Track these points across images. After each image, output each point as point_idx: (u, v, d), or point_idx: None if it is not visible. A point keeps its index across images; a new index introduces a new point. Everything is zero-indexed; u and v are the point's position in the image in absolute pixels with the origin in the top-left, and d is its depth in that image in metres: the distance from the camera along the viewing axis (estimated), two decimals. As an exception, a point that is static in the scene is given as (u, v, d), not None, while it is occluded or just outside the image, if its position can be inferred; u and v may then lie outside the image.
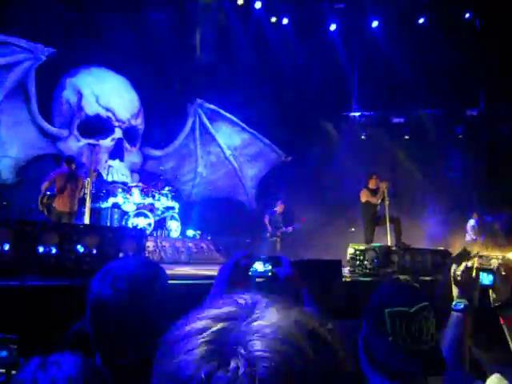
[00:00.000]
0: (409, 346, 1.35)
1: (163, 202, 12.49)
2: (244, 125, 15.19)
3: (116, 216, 11.34)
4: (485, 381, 1.72)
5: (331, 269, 6.48)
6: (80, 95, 12.91)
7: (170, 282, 1.53)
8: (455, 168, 14.04)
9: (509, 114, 14.58)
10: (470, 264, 1.96)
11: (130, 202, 11.64)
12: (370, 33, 15.13)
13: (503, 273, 2.15)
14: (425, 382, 1.37)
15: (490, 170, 13.95)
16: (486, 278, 2.02)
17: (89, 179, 9.13)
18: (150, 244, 10.56)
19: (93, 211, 10.03)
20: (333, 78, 15.14)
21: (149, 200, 12.10)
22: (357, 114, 16.32)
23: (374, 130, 15.75)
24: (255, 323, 0.63)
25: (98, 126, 13.02)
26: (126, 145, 13.43)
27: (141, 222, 11.40)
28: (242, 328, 0.62)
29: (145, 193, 12.11)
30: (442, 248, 9.65)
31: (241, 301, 0.68)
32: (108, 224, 10.95)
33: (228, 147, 15.29)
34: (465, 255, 2.79)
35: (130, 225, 11.13)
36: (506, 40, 12.79)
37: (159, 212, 12.29)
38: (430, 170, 14.66)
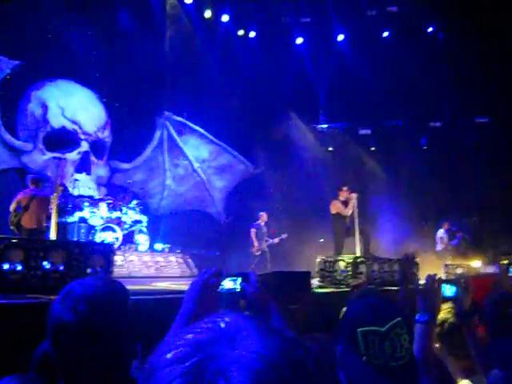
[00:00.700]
0: (382, 365, 1.35)
1: (131, 215, 12.36)
2: (212, 137, 15.20)
3: (83, 230, 11.16)
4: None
5: (300, 280, 6.50)
6: (45, 108, 12.72)
7: (138, 297, 1.52)
8: (421, 178, 14.27)
9: (471, 125, 14.99)
10: (432, 275, 2.00)
11: (97, 216, 11.48)
12: (337, 46, 15.38)
13: (463, 284, 2.21)
14: None
15: (453, 180, 14.26)
16: (448, 290, 2.07)
17: (55, 194, 8.97)
18: (117, 258, 10.39)
19: (59, 226, 9.83)
20: (300, 90, 15.29)
21: (116, 214, 11.96)
22: (324, 125, 16.51)
23: (341, 141, 15.95)
24: (237, 351, 0.61)
25: (63, 139, 12.84)
26: (93, 158, 13.27)
27: (108, 237, 11.25)
28: (223, 357, 0.60)
29: (112, 206, 11.97)
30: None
31: (222, 325, 0.66)
32: (75, 239, 10.77)
33: (196, 159, 15.27)
34: (410, 260, 2.88)
35: (97, 239, 10.97)
36: (469, 51, 13.17)
37: (127, 226, 12.15)
38: (397, 181, 14.90)
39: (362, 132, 16.18)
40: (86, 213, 11.32)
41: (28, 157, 12.39)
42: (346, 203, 9.89)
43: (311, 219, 12.59)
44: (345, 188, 10.07)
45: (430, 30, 15.07)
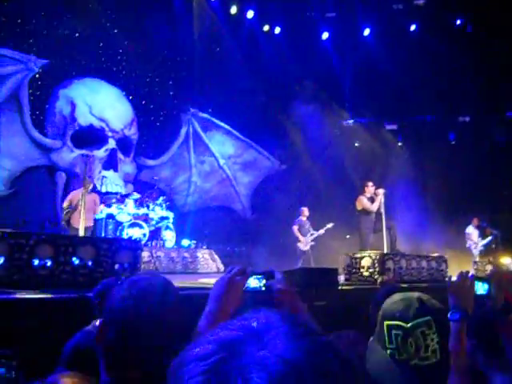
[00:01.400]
0: (405, 361, 1.33)
1: (158, 211, 12.46)
2: (237, 133, 15.22)
3: (110, 227, 11.30)
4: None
5: (327, 277, 6.47)
6: (73, 106, 12.89)
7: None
8: (449, 174, 14.05)
9: (501, 120, 14.69)
10: (464, 273, 1.96)
11: (125, 212, 11.60)
12: (363, 41, 15.23)
13: (496, 280, 2.15)
14: None
15: (483, 176, 14.01)
16: (481, 288, 2.03)
17: (83, 190, 9.09)
18: (144, 254, 10.51)
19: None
20: (326, 86, 15.20)
21: (143, 210, 12.07)
22: (350, 121, 16.39)
23: (367, 137, 15.81)
24: (261, 352, 0.59)
25: (91, 137, 13.00)
26: (120, 155, 13.41)
27: (135, 233, 11.37)
28: (246, 357, 0.59)
29: (139, 203, 12.09)
30: (437, 254, 9.67)
31: (253, 324, 0.64)
32: (103, 235, 10.90)
33: (222, 156, 15.31)
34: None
35: (124, 235, 11.09)
36: (499, 44, 12.90)
37: (154, 222, 12.25)
38: (425, 177, 14.71)
39: (389, 127, 16.02)
40: (113, 209, 11.46)
41: (57, 154, 12.58)
42: (372, 199, 9.82)
43: (337, 215, 12.49)
44: (370, 184, 9.99)
45: (458, 22, 14.79)
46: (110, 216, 11.36)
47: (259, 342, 0.61)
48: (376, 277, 7.63)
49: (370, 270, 7.81)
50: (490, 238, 12.21)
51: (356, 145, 16.15)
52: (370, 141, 15.75)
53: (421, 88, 14.00)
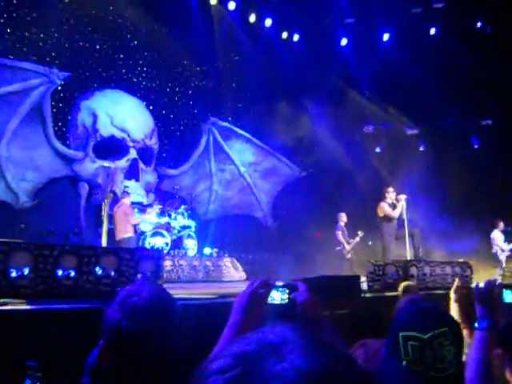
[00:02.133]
0: (421, 373, 1.31)
1: (179, 220, 12.53)
2: (257, 141, 15.24)
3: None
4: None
5: (349, 285, 6.41)
6: (95, 117, 13.05)
7: (187, 302, 1.53)
8: (472, 178, 13.85)
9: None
10: (492, 281, 1.92)
11: (147, 221, 11.68)
12: (382, 46, 15.15)
13: None
14: None
15: (507, 180, 13.79)
16: (508, 296, 1.98)
17: (106, 201, 9.19)
18: (167, 263, 10.57)
19: (110, 232, 10.08)
20: (345, 92, 15.15)
21: (165, 219, 12.15)
22: (370, 128, 16.28)
23: (388, 142, 15.70)
24: (280, 365, 0.59)
25: (112, 147, 13.14)
26: (141, 165, 13.52)
27: (158, 242, 11.44)
28: (264, 370, 0.59)
29: (161, 212, 12.16)
30: (461, 260, 9.52)
31: (270, 336, 0.64)
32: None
33: (242, 164, 15.34)
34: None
35: (147, 245, 11.16)
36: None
37: (176, 231, 12.33)
38: (447, 181, 14.53)
39: (410, 132, 15.87)
40: (137, 219, 11.55)
41: (79, 165, 12.73)
42: (393, 205, 9.72)
43: (359, 222, 12.39)
44: (391, 190, 9.91)
45: (479, 24, 14.63)
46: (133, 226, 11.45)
47: (277, 355, 0.61)
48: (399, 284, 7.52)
49: (394, 277, 7.72)
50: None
51: (377, 151, 16.02)
52: (390, 146, 15.64)
53: (442, 92, 13.86)
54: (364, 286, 7.71)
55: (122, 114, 13.37)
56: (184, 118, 15.02)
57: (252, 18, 14.97)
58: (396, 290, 7.37)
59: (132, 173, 13.28)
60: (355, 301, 5.93)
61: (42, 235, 10.65)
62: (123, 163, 13.18)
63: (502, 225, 12.15)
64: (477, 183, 13.80)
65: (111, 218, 10.49)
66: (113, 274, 5.30)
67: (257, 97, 14.66)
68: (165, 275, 9.24)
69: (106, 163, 12.21)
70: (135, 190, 12.92)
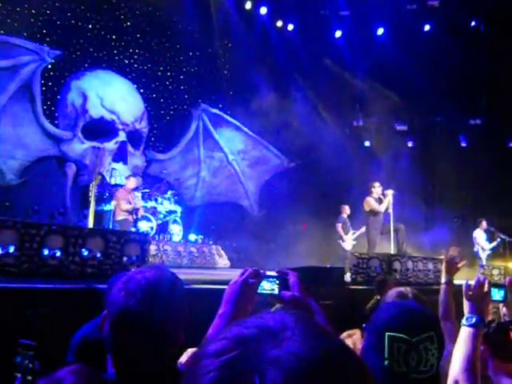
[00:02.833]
0: (403, 375, 1.33)
1: (166, 205, 12.51)
2: (247, 129, 15.21)
3: (118, 219, 11.34)
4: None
5: (334, 276, 6.48)
6: (85, 97, 12.92)
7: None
8: (458, 177, 13.98)
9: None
10: (482, 278, 1.96)
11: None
12: (376, 40, 15.15)
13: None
14: None
15: (492, 179, 13.95)
16: (497, 294, 2.02)
17: (93, 182, 9.14)
18: (152, 248, 10.56)
19: (96, 214, 10.04)
20: (337, 84, 15.16)
21: (151, 203, 12.11)
22: (361, 121, 16.32)
23: (377, 137, 15.77)
24: (277, 350, 0.59)
25: (102, 129, 13.03)
26: (130, 148, 13.44)
27: (143, 226, 11.40)
28: (261, 354, 0.59)
29: (147, 196, 12.12)
30: (443, 257, 9.63)
31: (269, 322, 0.64)
32: (110, 227, 10.95)
33: (231, 152, 15.31)
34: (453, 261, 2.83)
35: (132, 228, 11.12)
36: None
37: (161, 216, 12.30)
38: (433, 178, 14.67)
39: (399, 128, 15.93)
40: (122, 205, 11.50)
41: (67, 145, 12.62)
42: (380, 200, 9.80)
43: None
44: (377, 184, 9.97)
45: (473, 23, 14.68)
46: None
47: (275, 340, 0.61)
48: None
49: (378, 271, 7.80)
50: (497, 241, 12.11)
51: (366, 145, 16.09)
52: (379, 141, 15.71)
53: (433, 89, 13.93)
54: (347, 277, 7.80)
55: (113, 95, 13.25)
56: (175, 102, 14.93)
57: (248, 5, 14.88)
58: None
59: (120, 155, 13.19)
60: (339, 292, 5.99)
61: (26, 214, 10.57)
62: (112, 145, 13.09)
63: (484, 224, 12.27)
64: (461, 181, 13.94)
65: (98, 199, 10.44)
66: (99, 255, 5.31)
67: (248, 85, 14.61)
68: (150, 260, 9.25)
69: (94, 144, 12.12)
70: (123, 173, 12.84)
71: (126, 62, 14.03)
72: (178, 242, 12.27)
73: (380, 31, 15.16)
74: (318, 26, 15.16)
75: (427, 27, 14.90)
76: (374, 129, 16.00)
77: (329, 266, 10.05)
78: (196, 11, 14.17)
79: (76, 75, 13.09)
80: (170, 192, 12.88)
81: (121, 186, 12.00)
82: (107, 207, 11.43)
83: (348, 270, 8.34)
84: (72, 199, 12.30)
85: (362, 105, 15.90)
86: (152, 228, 11.58)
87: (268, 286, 1.57)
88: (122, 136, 13.26)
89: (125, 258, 5.62)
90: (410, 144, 15.77)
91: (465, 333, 1.78)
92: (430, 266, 9.12)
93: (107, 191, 11.67)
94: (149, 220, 11.60)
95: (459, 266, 2.78)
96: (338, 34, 15.43)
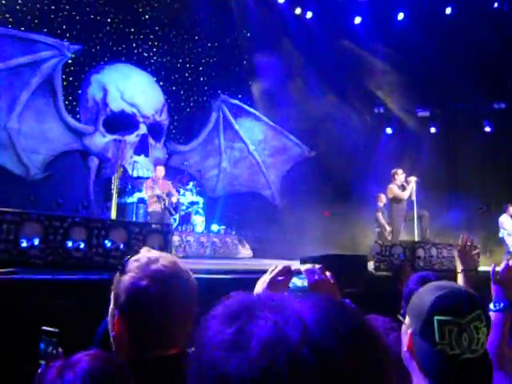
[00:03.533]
0: (457, 356, 1.32)
1: (188, 197, 12.58)
2: (267, 119, 15.17)
3: (141, 211, 11.45)
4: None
5: (356, 263, 6.44)
6: (105, 91, 13.02)
7: (195, 275, 1.54)
8: (483, 163, 13.75)
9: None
10: (510, 263, 1.92)
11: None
12: (396, 26, 14.88)
13: None
14: None
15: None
16: None
17: (116, 175, 9.23)
18: (175, 239, 10.63)
19: (119, 206, 10.14)
20: (357, 71, 15.00)
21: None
22: (382, 108, 16.13)
23: (399, 124, 15.60)
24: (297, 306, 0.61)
25: (122, 122, 13.14)
26: (151, 140, 13.53)
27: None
28: (280, 312, 0.60)
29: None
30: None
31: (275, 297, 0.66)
32: (134, 219, 11.06)
33: (251, 142, 15.29)
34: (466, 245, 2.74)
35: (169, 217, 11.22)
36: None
37: (184, 207, 12.37)
38: (457, 164, 14.46)
39: (421, 114, 15.71)
40: (144, 194, 11.60)
41: (89, 139, 12.76)
42: (403, 187, 9.70)
43: (368, 203, 12.38)
44: (400, 171, 9.86)
45: (496, 5, 14.33)
46: (141, 200, 11.51)
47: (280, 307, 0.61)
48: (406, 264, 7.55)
49: (401, 258, 7.74)
50: None
51: (388, 132, 15.91)
52: (401, 128, 15.53)
53: (455, 74, 13.66)
54: (371, 265, 7.74)
55: (133, 88, 13.33)
56: (194, 94, 14.97)
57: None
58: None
59: (141, 148, 13.29)
60: (362, 280, 5.96)
61: (51, 207, 10.73)
62: (133, 138, 13.19)
63: (511, 209, 12.05)
64: (486, 167, 13.72)
65: (120, 192, 10.54)
66: (122, 246, 5.36)
67: (267, 75, 14.55)
68: (173, 250, 9.32)
69: (116, 137, 12.23)
70: (144, 165, 12.95)
71: (146, 54, 14.10)
72: (201, 232, 12.35)
73: (400, 16, 14.90)
74: (337, 12, 14.95)
75: (448, 10, 14.57)
76: (396, 115, 15.80)
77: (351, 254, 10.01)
78: (214, 1, 14.14)
79: (96, 69, 13.20)
80: (191, 183, 12.95)
81: (143, 178, 12.12)
82: (130, 200, 11.55)
83: (371, 258, 8.29)
84: (95, 192, 12.45)
85: (383, 91, 15.69)
86: (175, 219, 11.66)
87: (300, 283, 1.55)
88: (142, 129, 13.35)
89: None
90: (432, 130, 15.53)
91: (492, 318, 1.75)
92: (455, 252, 9.01)
93: (129, 184, 11.78)
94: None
95: (473, 253, 2.71)
96: (358, 20, 15.20)
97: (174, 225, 11.30)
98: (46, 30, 12.03)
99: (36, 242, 4.75)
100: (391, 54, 14.78)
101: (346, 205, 13.26)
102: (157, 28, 14.13)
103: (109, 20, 13.33)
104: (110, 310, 1.50)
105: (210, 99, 14.92)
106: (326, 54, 14.74)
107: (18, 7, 11.76)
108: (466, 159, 14.39)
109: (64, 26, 12.48)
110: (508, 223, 11.95)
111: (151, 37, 14.12)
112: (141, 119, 13.32)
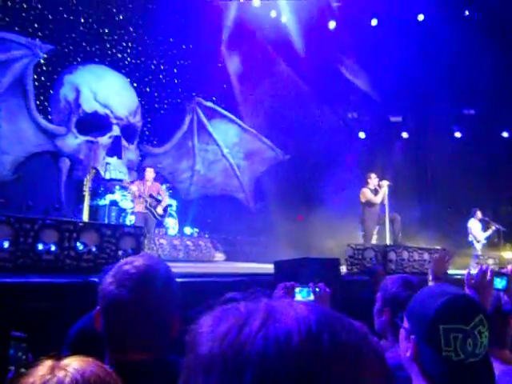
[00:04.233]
0: (462, 361, 1.34)
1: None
2: (241, 122, 15.18)
3: (113, 213, 11.34)
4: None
5: (329, 267, 6.47)
6: (78, 92, 12.85)
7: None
8: (453, 168, 14.01)
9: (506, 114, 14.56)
10: (484, 268, 1.96)
11: (128, 199, 11.63)
12: (369, 30, 15.02)
13: None
14: None
15: (486, 170, 13.98)
16: (499, 283, 2.03)
17: (87, 176, 9.12)
18: (147, 241, 10.54)
19: (91, 208, 10.02)
20: (331, 76, 15.12)
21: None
22: (355, 113, 16.31)
23: (371, 129, 15.78)
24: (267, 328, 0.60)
25: (95, 123, 12.98)
26: (124, 142, 13.39)
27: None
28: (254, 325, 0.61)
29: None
30: (439, 247, 9.68)
31: (262, 304, 0.65)
32: (106, 221, 10.94)
33: (225, 145, 15.28)
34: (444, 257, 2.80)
35: (127, 222, 11.12)
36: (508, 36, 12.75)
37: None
38: (427, 169, 14.69)
39: (393, 119, 15.93)
40: (117, 196, 11.49)
41: (61, 140, 12.56)
42: (376, 191, 9.82)
43: (340, 207, 12.49)
44: (373, 175, 9.99)
45: (467, 13, 14.60)
46: (114, 203, 11.40)
47: (268, 317, 0.62)
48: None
49: (373, 262, 7.83)
50: (491, 231, 12.14)
51: (360, 136, 16.08)
52: (374, 133, 15.71)
53: (428, 80, 13.88)
54: (343, 269, 7.81)
55: (106, 90, 13.19)
56: (168, 96, 14.90)
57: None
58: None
59: (114, 150, 13.14)
60: (334, 283, 6.00)
61: (21, 210, 10.54)
62: (106, 140, 13.04)
63: (479, 214, 12.29)
64: (455, 172, 13.97)
65: (93, 194, 10.41)
66: (94, 249, 5.30)
67: (242, 77, 14.58)
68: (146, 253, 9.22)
69: (88, 138, 12.08)
70: (117, 167, 12.82)
71: (119, 56, 13.98)
72: (174, 235, 12.27)
73: (373, 22, 15.04)
74: (313, 16, 15.03)
75: (421, 17, 14.78)
76: (369, 120, 15.98)
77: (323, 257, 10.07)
78: (189, 3, 14.10)
79: (69, 69, 13.03)
80: (164, 186, 12.86)
81: (115, 180, 12.01)
82: (102, 202, 11.42)
83: (344, 262, 8.36)
84: (67, 194, 12.27)
85: (356, 96, 15.85)
86: (161, 221, 11.59)
87: (303, 296, 1.56)
88: (116, 130, 13.21)
89: (120, 252, 5.61)
90: (404, 135, 15.77)
91: None
92: (426, 256, 9.14)
93: (102, 186, 11.65)
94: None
95: (447, 265, 2.76)
96: (333, 25, 15.28)
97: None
98: (17, 28, 11.82)
99: (6, 244, 4.66)
100: (363, 58, 14.93)
101: (318, 208, 13.36)
102: (131, 29, 14.03)
103: (82, 20, 13.18)
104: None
105: (184, 101, 14.86)
106: (300, 58, 14.80)
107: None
108: (436, 164, 14.64)
109: (36, 25, 12.29)
110: (476, 228, 12.20)
111: (125, 38, 14.01)
112: (114, 121, 13.18)
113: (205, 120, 14.87)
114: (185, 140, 14.79)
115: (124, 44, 14.01)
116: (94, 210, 10.97)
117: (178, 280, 1.54)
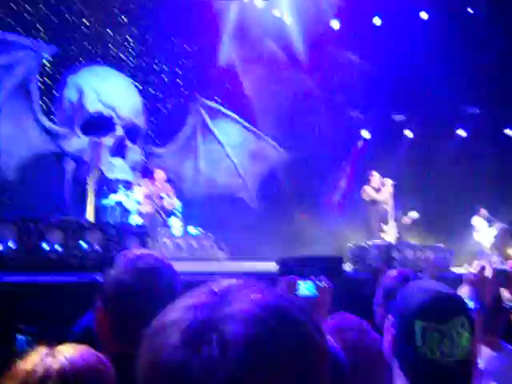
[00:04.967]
0: (436, 360, 1.34)
1: (164, 199, 12.51)
2: (245, 122, 15.18)
3: (117, 213, 11.36)
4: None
5: (332, 265, 6.49)
6: (81, 93, 12.87)
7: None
8: (457, 165, 13.98)
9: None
10: (484, 264, 1.96)
11: (132, 199, 11.65)
12: (372, 29, 15.03)
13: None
14: None
15: (489, 168, 13.96)
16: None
17: (91, 176, 9.15)
18: (151, 241, 10.57)
19: (95, 209, 10.06)
20: (333, 75, 15.12)
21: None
22: (358, 111, 16.29)
23: (375, 128, 15.77)
24: (227, 308, 0.64)
25: (99, 124, 12.99)
26: (128, 142, 13.40)
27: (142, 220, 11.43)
28: (215, 315, 0.63)
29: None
30: (442, 245, 9.67)
31: (214, 288, 0.69)
32: (110, 221, 10.97)
33: (229, 145, 15.27)
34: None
35: (131, 222, 11.15)
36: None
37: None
38: (431, 168, 14.66)
39: (397, 118, 15.91)
40: (121, 196, 11.51)
41: (65, 141, 12.59)
42: (378, 189, 9.83)
43: (344, 206, 12.50)
44: (375, 174, 10.00)
45: (470, 11, 14.56)
46: (118, 203, 11.43)
47: (223, 301, 0.66)
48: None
49: (376, 260, 7.84)
50: (496, 229, 12.13)
51: (363, 135, 16.07)
52: (377, 132, 15.69)
53: (431, 78, 13.86)
54: (347, 267, 7.83)
55: (109, 90, 13.20)
56: (172, 96, 14.93)
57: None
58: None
59: (118, 150, 13.14)
60: (337, 282, 6.01)
61: (25, 210, 10.58)
62: (109, 140, 13.06)
63: (483, 212, 12.30)
64: (459, 170, 13.94)
65: (97, 194, 10.45)
66: (98, 248, 5.33)
67: (248, 76, 14.59)
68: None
69: (92, 139, 12.12)
70: (121, 168, 12.84)
71: (123, 56, 14.03)
72: (178, 235, 12.29)
73: (377, 20, 15.03)
74: (316, 15, 15.02)
75: (424, 15, 14.74)
76: (371, 119, 15.96)
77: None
78: (192, 4, 14.12)
79: (72, 70, 13.06)
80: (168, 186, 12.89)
81: (119, 180, 12.06)
82: (106, 202, 11.45)
83: (347, 260, 8.37)
84: (71, 195, 12.31)
85: (359, 94, 15.83)
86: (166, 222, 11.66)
87: (305, 292, 1.57)
88: (119, 131, 13.21)
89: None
90: (409, 134, 15.74)
91: None
92: (429, 254, 9.14)
93: (105, 186, 11.68)
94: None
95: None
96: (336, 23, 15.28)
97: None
98: (21, 30, 11.88)
99: (11, 244, 4.70)
100: (368, 56, 14.93)
101: (321, 207, 13.37)
102: (133, 29, 14.07)
103: (84, 20, 13.22)
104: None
105: (187, 101, 14.88)
106: (305, 57, 14.80)
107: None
108: (439, 162, 14.61)
109: (39, 27, 12.35)
110: (481, 226, 12.21)
111: (128, 38, 14.05)
112: (118, 121, 13.18)
113: (208, 120, 14.87)
114: (188, 140, 14.80)
115: (127, 44, 14.05)
116: (98, 211, 11.02)
117: (182, 278, 1.55)
